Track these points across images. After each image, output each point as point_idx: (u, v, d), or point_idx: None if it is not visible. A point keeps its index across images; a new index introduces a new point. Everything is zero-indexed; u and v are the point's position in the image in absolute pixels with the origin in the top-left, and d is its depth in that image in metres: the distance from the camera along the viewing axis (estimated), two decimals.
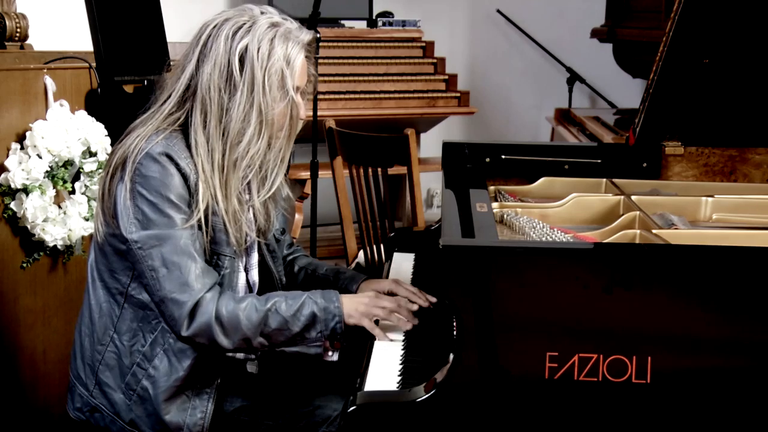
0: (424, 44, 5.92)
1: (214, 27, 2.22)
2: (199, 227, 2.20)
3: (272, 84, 2.20)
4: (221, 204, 2.22)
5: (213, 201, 2.21)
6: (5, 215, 3.02)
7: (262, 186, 2.30)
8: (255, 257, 2.43)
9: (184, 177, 2.18)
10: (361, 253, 3.90)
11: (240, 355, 2.48)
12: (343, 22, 5.80)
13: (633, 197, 2.56)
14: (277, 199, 2.42)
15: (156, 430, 2.25)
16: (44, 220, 3.04)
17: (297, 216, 5.18)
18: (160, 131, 2.20)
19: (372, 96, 5.59)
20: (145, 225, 2.15)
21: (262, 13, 2.25)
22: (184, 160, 2.18)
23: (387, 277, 2.76)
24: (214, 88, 2.19)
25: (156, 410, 2.23)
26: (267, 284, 2.44)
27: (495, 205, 2.54)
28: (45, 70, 3.11)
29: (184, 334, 2.16)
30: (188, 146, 2.21)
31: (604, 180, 2.77)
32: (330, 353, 2.26)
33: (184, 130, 2.23)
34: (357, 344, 2.33)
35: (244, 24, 2.20)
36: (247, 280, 2.41)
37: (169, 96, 2.25)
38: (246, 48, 2.18)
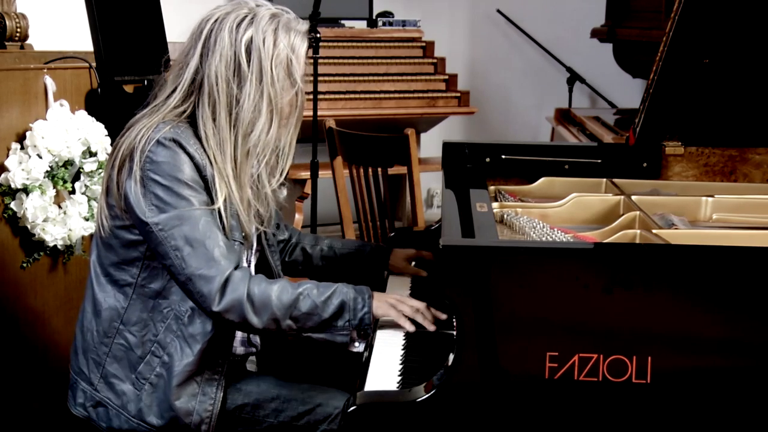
0: (424, 44, 5.92)
1: (215, 21, 2.25)
2: (219, 216, 2.23)
3: (280, 73, 2.23)
4: (236, 193, 2.25)
5: (228, 190, 2.25)
6: (5, 215, 3.02)
7: (273, 174, 2.34)
8: (254, 249, 2.47)
9: (195, 164, 2.20)
10: None
11: (240, 350, 2.49)
12: (343, 22, 5.81)
13: (633, 197, 2.56)
14: (276, 191, 2.44)
15: (164, 418, 2.26)
16: (44, 220, 3.04)
17: (297, 216, 5.19)
18: (167, 122, 2.23)
19: (372, 96, 5.59)
20: (162, 209, 2.17)
21: (257, 5, 2.28)
22: (192, 147, 2.21)
23: (387, 277, 2.79)
24: (223, 80, 2.22)
25: (168, 396, 2.25)
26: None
27: (495, 205, 2.54)
28: (45, 70, 3.11)
29: (215, 309, 2.18)
30: (197, 137, 2.24)
31: (604, 180, 2.78)
32: (356, 344, 2.29)
33: (191, 122, 2.26)
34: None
35: (246, 16, 2.24)
36: None
37: (174, 90, 2.27)
38: (251, 39, 2.22)
